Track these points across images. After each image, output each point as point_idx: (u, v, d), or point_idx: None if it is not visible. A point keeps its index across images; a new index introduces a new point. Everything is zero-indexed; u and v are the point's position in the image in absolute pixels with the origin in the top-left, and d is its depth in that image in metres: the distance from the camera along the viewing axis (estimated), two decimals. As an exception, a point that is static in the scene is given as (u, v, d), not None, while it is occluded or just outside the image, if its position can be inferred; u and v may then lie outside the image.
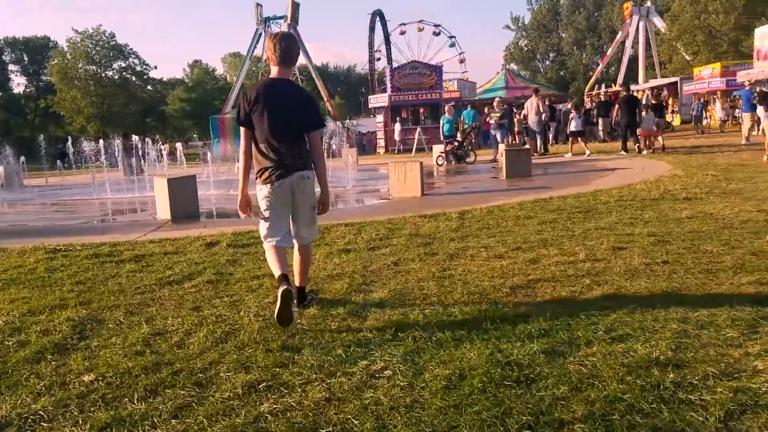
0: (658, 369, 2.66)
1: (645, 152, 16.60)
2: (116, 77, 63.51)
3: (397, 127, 29.51)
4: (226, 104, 52.19)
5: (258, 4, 52.72)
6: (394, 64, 35.98)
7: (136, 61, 64.79)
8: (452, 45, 44.37)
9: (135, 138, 18.73)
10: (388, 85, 31.32)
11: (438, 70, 31.43)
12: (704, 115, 32.67)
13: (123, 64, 64.19)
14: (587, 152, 17.20)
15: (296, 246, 4.09)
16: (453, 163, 17.40)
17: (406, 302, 3.99)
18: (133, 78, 65.29)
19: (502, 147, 15.84)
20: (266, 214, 3.97)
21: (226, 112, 47.16)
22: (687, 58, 53.48)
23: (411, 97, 30.23)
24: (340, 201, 11.31)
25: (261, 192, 3.95)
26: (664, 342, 2.96)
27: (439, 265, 4.90)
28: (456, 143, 17.47)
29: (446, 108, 18.00)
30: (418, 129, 27.80)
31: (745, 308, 3.34)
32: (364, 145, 34.37)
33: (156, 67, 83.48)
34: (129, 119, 62.00)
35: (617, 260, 4.65)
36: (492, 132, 17.95)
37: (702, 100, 37.53)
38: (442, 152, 17.54)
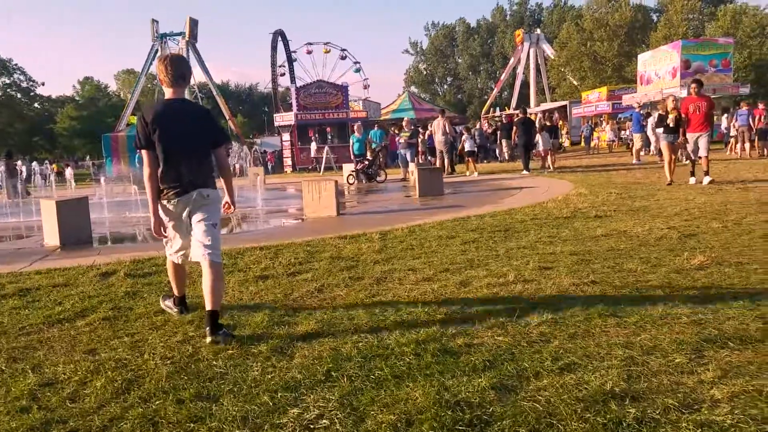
0: (615, 403, 2.48)
1: (547, 171, 17.34)
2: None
3: (313, 145, 29.09)
4: (119, 122, 49.60)
5: (154, 20, 50.74)
6: (299, 83, 35.62)
7: (21, 77, 60.48)
8: (357, 71, 44.60)
9: (20, 160, 17.18)
10: (294, 103, 30.93)
11: (344, 90, 31.45)
12: (592, 137, 34.61)
13: (7, 81, 59.70)
14: (476, 173, 18.01)
15: (204, 264, 3.87)
16: (364, 181, 17.26)
17: (335, 334, 3.64)
18: (18, 95, 60.82)
19: (412, 166, 15.89)
20: (169, 229, 4.07)
21: (120, 130, 44.81)
22: (574, 83, 56.88)
23: (318, 116, 29.99)
24: (250, 222, 10.78)
25: (164, 208, 4.01)
26: (615, 371, 2.80)
27: (367, 291, 4.60)
28: (366, 162, 17.35)
29: (356, 127, 17.87)
30: (326, 148, 27.54)
31: (685, 330, 3.27)
32: (266, 163, 33.58)
33: (44, 84, 77.97)
34: (14, 138, 57.51)
35: (547, 281, 4.54)
36: (401, 151, 17.98)
37: (590, 123, 39.84)
38: (352, 171, 17.36)
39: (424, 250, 5.97)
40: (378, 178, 17.48)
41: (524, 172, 17.38)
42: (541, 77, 59.40)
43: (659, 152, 18.45)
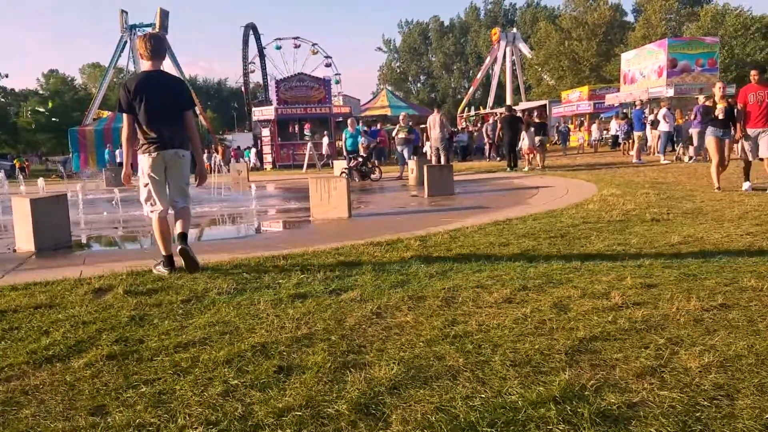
0: None
1: (537, 169, 16.89)
2: (-43, 85, 56.14)
3: (326, 139, 27.36)
4: (86, 116, 47.51)
5: (123, 11, 48.74)
6: (276, 78, 34.31)
7: (-21, 66, 57.56)
8: (328, 65, 43.41)
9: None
10: (274, 97, 29.70)
11: (326, 84, 30.35)
12: (569, 136, 34.20)
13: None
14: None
15: (175, 210, 4.88)
16: (357, 180, 16.26)
17: (431, 384, 2.69)
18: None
19: (412, 163, 14.98)
20: (145, 183, 4.78)
21: (87, 124, 42.91)
22: (551, 82, 56.72)
23: (299, 110, 28.81)
24: (252, 224, 9.74)
25: (142, 162, 4.74)
26: None
27: (440, 316, 3.64)
28: (360, 159, 16.35)
29: (348, 122, 16.89)
30: (309, 144, 26.37)
31: None
32: (230, 159, 31.75)
33: (7, 75, 74.68)
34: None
35: (663, 303, 3.65)
36: (398, 148, 17.04)
37: (566, 123, 39.47)
38: (345, 168, 16.35)
39: (481, 261, 5.03)
40: (372, 176, 16.51)
41: (507, 169, 17.07)
42: (516, 76, 59.01)
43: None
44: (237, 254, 5.85)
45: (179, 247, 4.76)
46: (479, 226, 6.68)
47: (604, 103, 37.07)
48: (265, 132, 30.03)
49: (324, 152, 26.18)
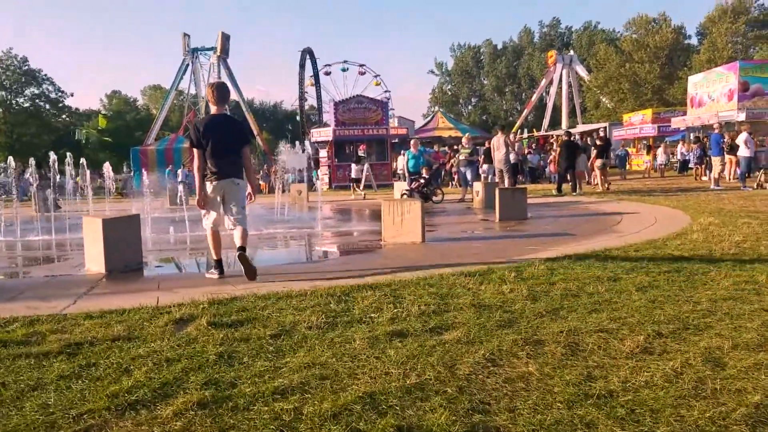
0: None
1: (578, 191, 16.90)
2: (28, 105, 58.52)
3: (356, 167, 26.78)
4: (148, 136, 48.77)
5: (185, 35, 50.18)
6: (326, 102, 34.47)
7: (50, 87, 60.05)
8: (378, 84, 43.40)
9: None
10: (332, 119, 29.71)
11: (384, 106, 30.21)
12: (628, 160, 32.93)
13: (36, 91, 59.21)
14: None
15: (236, 230, 5.74)
16: (419, 202, 15.83)
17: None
18: (47, 106, 60.40)
19: (478, 185, 14.47)
20: (208, 206, 5.77)
21: (149, 144, 43.99)
22: (609, 105, 55.26)
23: (357, 132, 28.69)
24: (320, 247, 9.40)
25: (210, 188, 5.70)
26: None
27: (570, 369, 3.13)
28: (422, 180, 15.91)
29: (411, 143, 16.50)
30: (366, 165, 26.14)
31: None
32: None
33: (72, 95, 77.43)
34: (41, 150, 56.92)
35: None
36: (461, 169, 16.55)
37: (622, 147, 38.10)
38: (406, 190, 15.93)
39: (594, 299, 4.48)
40: (434, 198, 16.04)
41: (573, 193, 17.02)
42: (573, 99, 57.83)
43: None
44: (318, 281, 5.48)
45: (238, 253, 5.63)
46: (577, 256, 6.11)
47: (669, 126, 35.67)
48: (322, 153, 30.02)
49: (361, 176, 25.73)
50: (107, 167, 14.62)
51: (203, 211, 5.88)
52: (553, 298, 4.52)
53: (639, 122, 40.71)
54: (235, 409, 2.79)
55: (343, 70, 43.62)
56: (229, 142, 5.75)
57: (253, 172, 5.99)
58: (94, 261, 6.74)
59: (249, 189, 5.97)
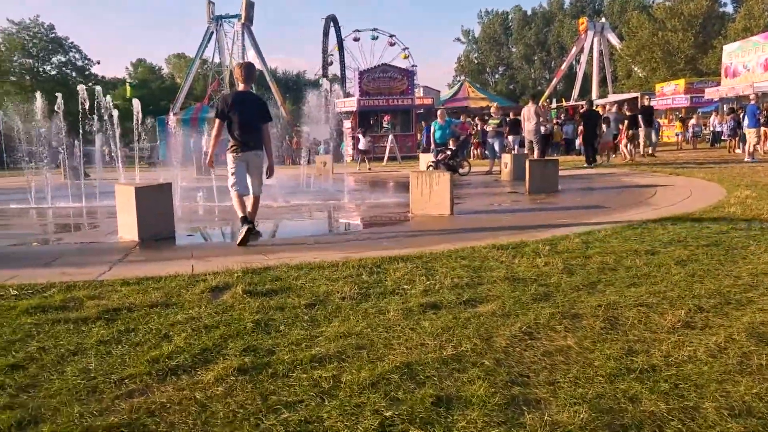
0: None
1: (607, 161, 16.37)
2: (55, 72, 59.00)
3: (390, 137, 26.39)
4: (174, 104, 48.95)
5: (210, 2, 49.89)
6: (350, 70, 34.20)
7: (77, 55, 60.39)
8: (406, 57, 42.86)
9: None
10: (356, 88, 29.44)
11: (410, 75, 29.81)
12: (661, 131, 32.18)
13: (63, 59, 59.60)
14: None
15: (251, 196, 6.38)
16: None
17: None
18: (74, 74, 60.86)
19: (506, 157, 14.30)
20: (232, 172, 6.29)
21: (175, 113, 44.18)
22: (641, 74, 53.91)
23: (381, 102, 28.42)
24: (348, 219, 9.40)
25: (230, 158, 6.31)
26: None
27: (610, 343, 3.09)
28: (449, 152, 15.76)
29: (438, 113, 16.29)
30: (390, 136, 25.95)
31: None
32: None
33: (99, 62, 77.57)
34: (68, 118, 57.67)
35: None
36: (489, 140, 16.35)
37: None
38: (432, 162, 15.80)
39: (632, 273, 4.41)
40: (461, 170, 15.89)
41: (585, 166, 16.67)
42: (604, 68, 56.53)
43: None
44: (349, 252, 5.48)
45: (248, 226, 6.18)
46: (612, 229, 6.02)
47: (702, 96, 34.72)
48: (346, 124, 29.84)
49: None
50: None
51: (230, 179, 6.34)
52: (590, 272, 4.46)
53: (671, 92, 39.70)
54: (275, 375, 2.81)
55: (373, 38, 43.15)
56: (253, 117, 6.27)
57: (271, 148, 6.50)
58: (127, 229, 6.83)
59: (267, 164, 6.48)
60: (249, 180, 6.36)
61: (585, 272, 4.47)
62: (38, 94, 15.13)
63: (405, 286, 4.23)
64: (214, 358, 3.03)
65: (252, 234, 6.18)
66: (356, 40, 43.63)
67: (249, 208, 6.29)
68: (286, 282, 4.37)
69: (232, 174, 6.30)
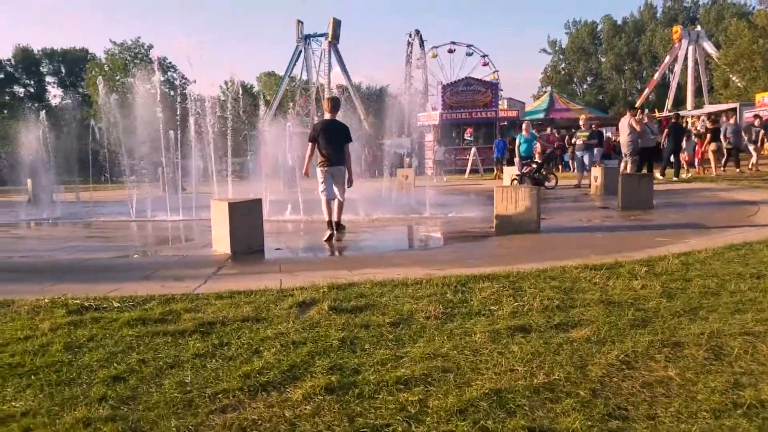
0: None
1: (687, 175, 16.55)
2: (154, 92, 62.73)
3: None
4: (263, 121, 50.72)
5: (299, 21, 51.56)
6: (432, 86, 34.21)
7: (174, 75, 64.02)
8: (485, 65, 42.33)
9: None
10: (439, 102, 29.48)
11: (494, 88, 29.57)
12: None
13: (162, 78, 63.31)
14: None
15: (337, 201, 8.11)
16: (531, 188, 15.37)
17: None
18: (172, 92, 64.52)
19: (596, 171, 13.83)
20: (322, 181, 8.01)
21: (264, 130, 45.68)
22: (739, 84, 50.81)
23: (464, 114, 28.29)
24: (429, 233, 9.36)
25: (320, 171, 8.02)
26: None
27: (715, 375, 2.88)
28: (535, 165, 15.43)
29: (524, 126, 16.03)
30: (473, 149, 25.77)
31: None
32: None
33: (195, 81, 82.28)
34: (166, 134, 60.96)
35: None
36: (578, 154, 15.87)
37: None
38: (516, 175, 15.53)
39: (736, 298, 4.12)
40: (547, 184, 15.51)
41: (659, 177, 16.09)
42: (699, 77, 53.76)
43: None
44: (432, 269, 5.44)
45: (336, 232, 8.16)
46: (713, 250, 5.66)
47: (808, 105, 32.29)
48: (428, 137, 29.90)
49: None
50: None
51: (320, 186, 8.02)
52: (691, 296, 4.20)
53: (773, 102, 37.17)
54: (361, 396, 2.80)
55: (450, 51, 43.10)
56: (336, 140, 7.97)
57: (350, 165, 8.18)
58: (221, 242, 7.11)
59: (348, 176, 8.13)
60: (335, 188, 8.00)
61: (686, 297, 4.21)
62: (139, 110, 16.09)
63: (492, 307, 4.14)
64: (302, 375, 3.06)
65: (339, 230, 8.14)
66: (434, 56, 43.71)
67: (335, 213, 8.05)
68: (370, 299, 4.39)
69: (322, 182, 7.98)
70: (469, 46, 42.12)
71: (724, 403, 2.59)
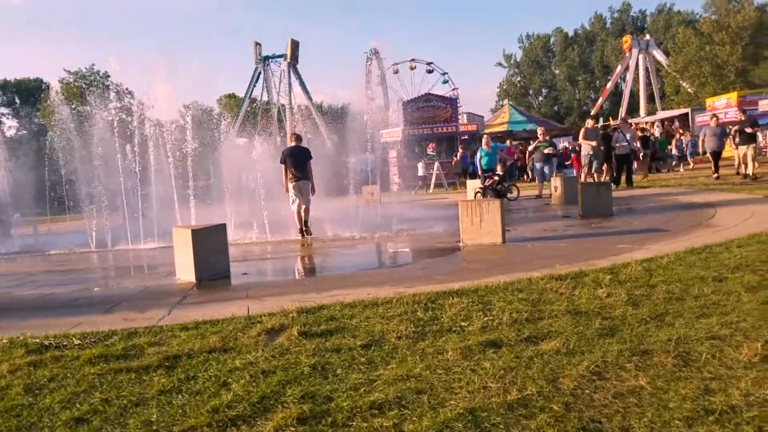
0: None
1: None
2: (111, 118, 61.66)
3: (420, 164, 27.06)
4: (225, 143, 50.27)
5: (257, 44, 51.53)
6: (394, 102, 34.50)
7: (132, 101, 63.04)
8: (445, 82, 42.86)
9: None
10: (400, 118, 29.67)
11: (453, 103, 29.94)
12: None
13: (117, 105, 62.37)
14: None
15: (303, 207, 10.38)
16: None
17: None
18: (129, 118, 63.55)
19: (555, 181, 14.06)
20: (293, 196, 10.33)
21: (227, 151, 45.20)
22: (690, 90, 52.52)
23: (426, 130, 28.53)
24: (397, 250, 9.34)
25: (290, 187, 10.35)
26: None
27: (685, 382, 2.92)
28: (496, 177, 15.59)
29: (483, 139, 16.17)
30: (436, 164, 25.97)
31: None
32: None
33: (153, 107, 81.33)
34: (125, 161, 59.91)
35: None
36: (537, 165, 16.13)
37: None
38: (479, 188, 15.65)
39: (700, 302, 4.20)
40: (510, 195, 15.70)
41: (614, 186, 15.97)
42: (651, 85, 55.48)
43: None
44: (402, 287, 5.42)
45: (304, 228, 10.54)
46: (675, 255, 5.77)
47: (756, 109, 33.52)
48: (392, 153, 30.02)
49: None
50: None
51: (291, 198, 10.35)
52: (656, 303, 4.27)
53: (723, 107, 38.47)
54: (335, 425, 2.75)
55: (411, 69, 43.56)
56: (301, 161, 10.39)
57: (312, 178, 10.52)
58: (185, 270, 6.96)
59: (311, 185, 10.44)
60: (302, 197, 10.22)
61: (651, 303, 4.27)
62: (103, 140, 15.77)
63: (462, 323, 4.13)
64: (272, 406, 2.99)
65: (307, 232, 10.42)
66: (396, 72, 44.10)
67: (303, 218, 10.32)
68: (340, 322, 4.34)
69: (292, 196, 10.28)
70: (429, 63, 42.59)
71: (696, 411, 2.62)
